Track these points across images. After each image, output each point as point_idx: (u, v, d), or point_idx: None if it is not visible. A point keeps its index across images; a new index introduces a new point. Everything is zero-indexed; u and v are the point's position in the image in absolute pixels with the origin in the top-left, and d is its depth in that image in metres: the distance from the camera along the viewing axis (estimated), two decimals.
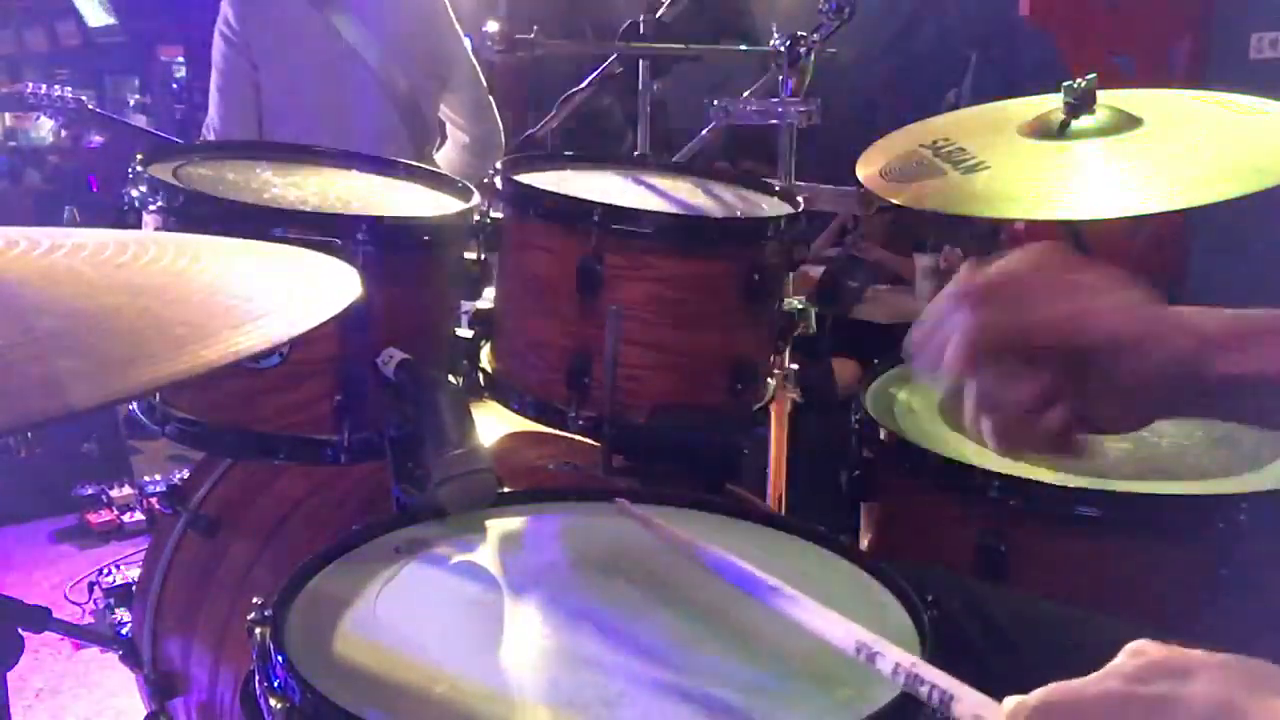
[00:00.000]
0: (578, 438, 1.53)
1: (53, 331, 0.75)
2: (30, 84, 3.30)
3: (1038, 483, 1.36)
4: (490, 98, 3.06)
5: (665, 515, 1.25)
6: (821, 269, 3.38)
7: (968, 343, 0.84)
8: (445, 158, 3.05)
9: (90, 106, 3.34)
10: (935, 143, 1.68)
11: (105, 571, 3.31)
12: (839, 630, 0.84)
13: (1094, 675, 0.68)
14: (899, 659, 0.79)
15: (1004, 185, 1.56)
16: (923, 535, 1.50)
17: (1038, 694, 0.68)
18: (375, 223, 1.42)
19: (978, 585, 1.29)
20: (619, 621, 1.01)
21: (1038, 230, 3.52)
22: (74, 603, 3.30)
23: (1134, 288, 0.86)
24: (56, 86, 3.27)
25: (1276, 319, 0.86)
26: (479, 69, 3.01)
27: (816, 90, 1.97)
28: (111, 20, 5.44)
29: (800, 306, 1.67)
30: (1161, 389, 0.84)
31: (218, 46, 2.80)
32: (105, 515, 3.81)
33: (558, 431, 1.54)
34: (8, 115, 5.13)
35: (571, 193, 1.52)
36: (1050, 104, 1.64)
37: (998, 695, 0.72)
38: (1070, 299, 0.85)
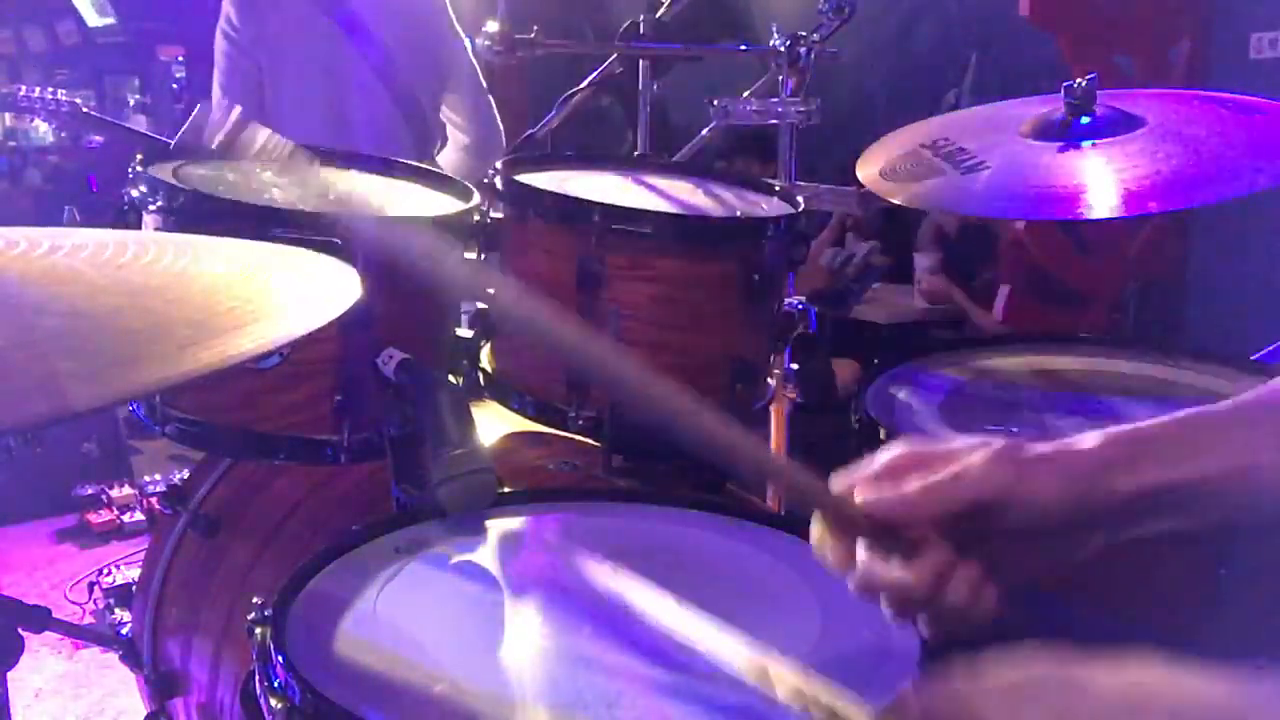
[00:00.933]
0: (578, 438, 1.53)
1: (53, 332, 0.75)
2: (24, 87, 3.29)
3: None
4: (490, 99, 3.06)
5: (665, 516, 1.25)
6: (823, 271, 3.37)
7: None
8: (445, 159, 3.05)
9: (85, 109, 3.32)
10: (935, 143, 1.68)
11: (105, 571, 3.32)
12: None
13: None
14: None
15: (1004, 185, 1.56)
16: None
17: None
18: (375, 223, 1.42)
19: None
20: (619, 621, 1.01)
21: (1038, 230, 3.54)
22: (74, 603, 3.31)
23: (995, 445, 0.82)
24: (51, 89, 3.26)
25: (1178, 423, 0.84)
26: (479, 70, 3.01)
27: (816, 90, 1.97)
28: (111, 20, 5.43)
29: (800, 306, 1.67)
30: (1068, 524, 0.81)
31: (220, 46, 2.80)
32: (105, 515, 3.81)
33: (558, 431, 1.53)
34: (8, 115, 5.14)
35: (571, 193, 1.52)
36: (1050, 104, 1.64)
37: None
38: (926, 476, 0.82)
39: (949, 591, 0.80)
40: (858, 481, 0.84)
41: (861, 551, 0.83)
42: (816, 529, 0.86)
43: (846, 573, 0.85)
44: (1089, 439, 0.82)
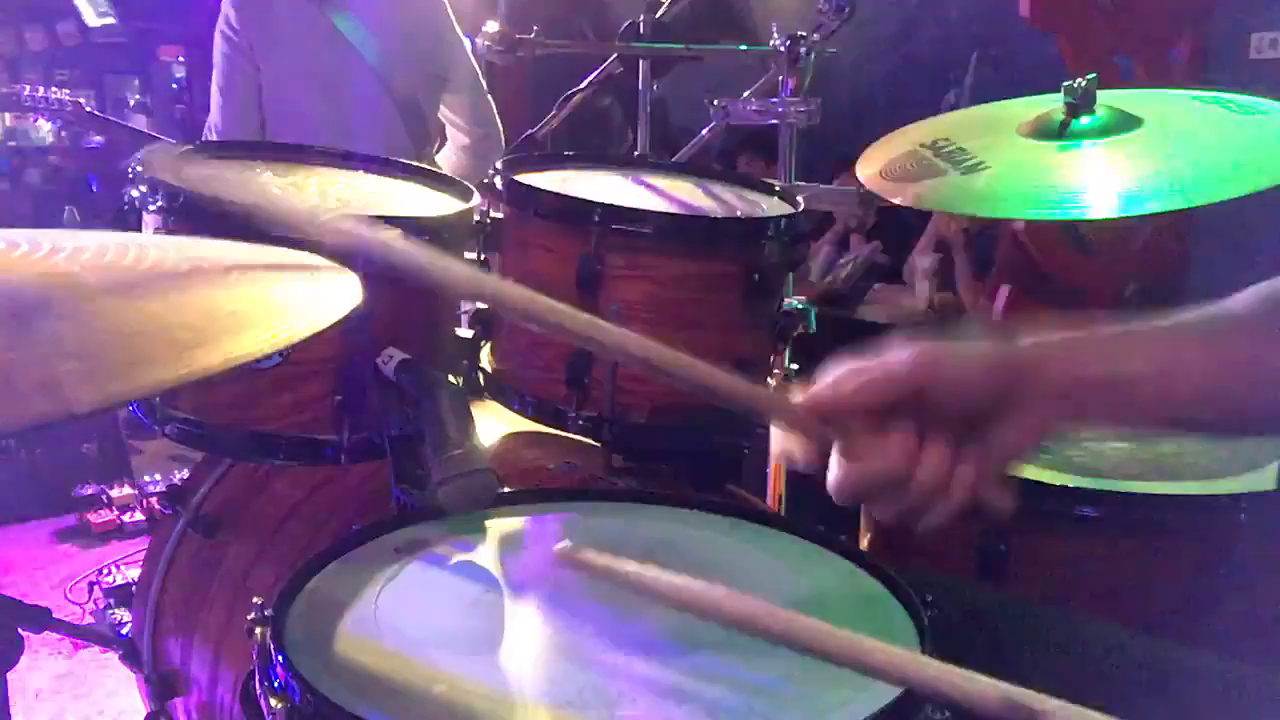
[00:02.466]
0: (578, 438, 1.53)
1: (53, 334, 0.75)
2: (27, 86, 3.29)
3: (1038, 483, 1.36)
4: (490, 99, 3.06)
5: (665, 516, 1.25)
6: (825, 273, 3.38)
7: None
8: (445, 159, 3.05)
9: (87, 108, 3.33)
10: (935, 143, 1.68)
11: (105, 571, 3.32)
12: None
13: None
14: None
15: (1004, 185, 1.56)
16: (923, 535, 1.50)
17: None
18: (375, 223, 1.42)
19: (977, 591, 1.29)
20: (619, 621, 1.01)
21: (1038, 230, 3.53)
22: (74, 603, 3.31)
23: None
24: (53, 88, 3.26)
25: (1120, 331, 0.88)
26: (479, 70, 3.01)
27: (816, 90, 1.97)
28: (111, 20, 5.43)
29: (800, 306, 1.67)
30: (998, 406, 0.85)
31: (219, 47, 2.80)
32: (105, 515, 3.81)
33: (558, 431, 1.54)
34: (8, 115, 5.13)
35: (571, 193, 1.52)
36: (1050, 104, 1.64)
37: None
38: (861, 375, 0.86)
39: (921, 470, 0.84)
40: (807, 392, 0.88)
41: (834, 456, 0.87)
42: (778, 436, 0.92)
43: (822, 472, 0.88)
44: (1026, 339, 0.88)
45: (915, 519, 0.87)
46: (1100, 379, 0.86)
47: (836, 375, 0.87)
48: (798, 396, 0.89)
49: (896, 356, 0.86)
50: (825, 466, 0.88)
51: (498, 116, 3.07)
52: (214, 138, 2.82)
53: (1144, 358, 0.87)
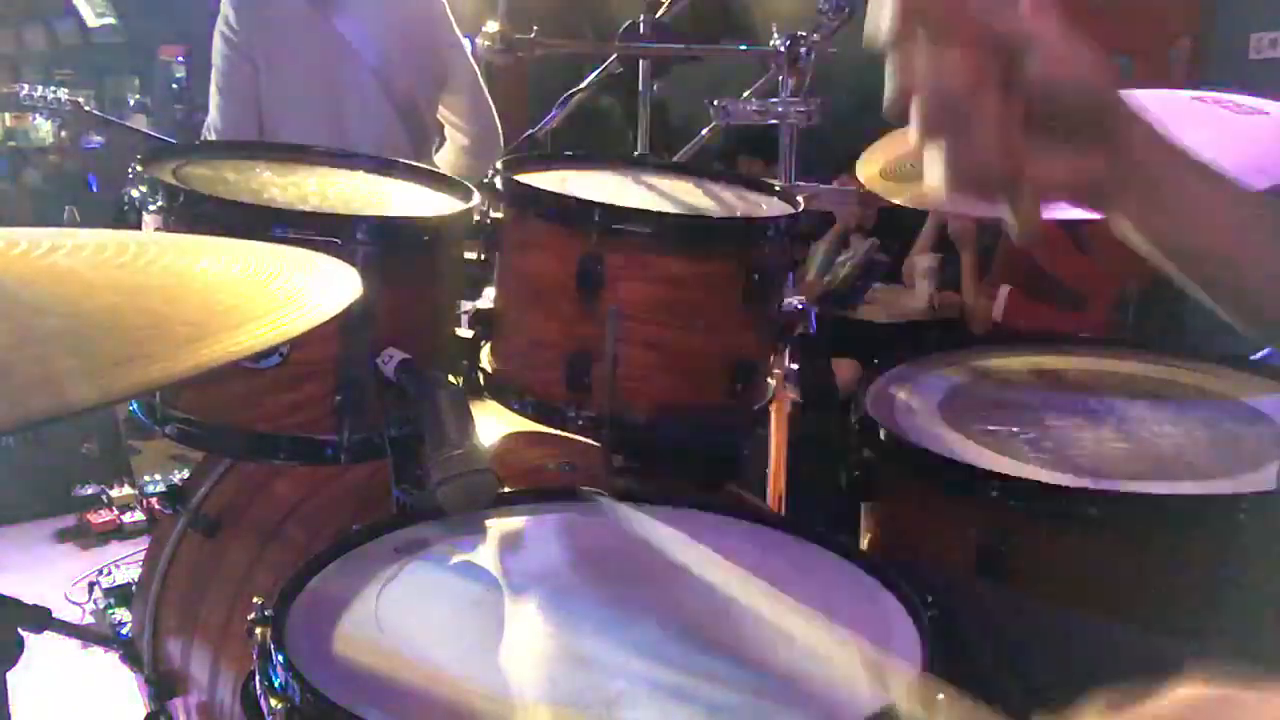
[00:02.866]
0: (578, 438, 1.53)
1: (53, 331, 0.75)
2: (25, 86, 3.28)
3: (1038, 483, 1.36)
4: (488, 99, 3.06)
5: (665, 516, 1.25)
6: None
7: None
8: (443, 159, 3.05)
9: (87, 108, 3.32)
10: None
11: (105, 571, 3.32)
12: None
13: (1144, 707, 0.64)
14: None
15: None
16: (923, 535, 1.50)
17: None
18: (375, 223, 1.42)
19: (978, 589, 1.29)
20: (619, 621, 1.01)
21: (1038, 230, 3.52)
22: (74, 603, 3.30)
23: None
24: (53, 88, 3.25)
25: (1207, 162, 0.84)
26: (477, 70, 3.01)
27: (816, 90, 1.97)
28: (112, 20, 5.43)
29: (800, 306, 1.67)
30: (1077, 119, 0.80)
31: (218, 47, 2.80)
32: (105, 515, 3.81)
33: (558, 431, 1.53)
34: (7, 115, 5.13)
35: (571, 193, 1.52)
36: None
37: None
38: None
39: (980, 96, 0.76)
40: None
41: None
42: None
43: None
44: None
45: (953, 154, 0.79)
46: (1182, 167, 0.82)
47: None
48: None
49: (1016, 19, 0.78)
50: None
51: (496, 116, 3.07)
52: (213, 138, 2.82)
53: (1231, 197, 0.84)
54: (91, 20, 5.38)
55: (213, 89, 2.84)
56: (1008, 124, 0.78)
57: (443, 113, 3.02)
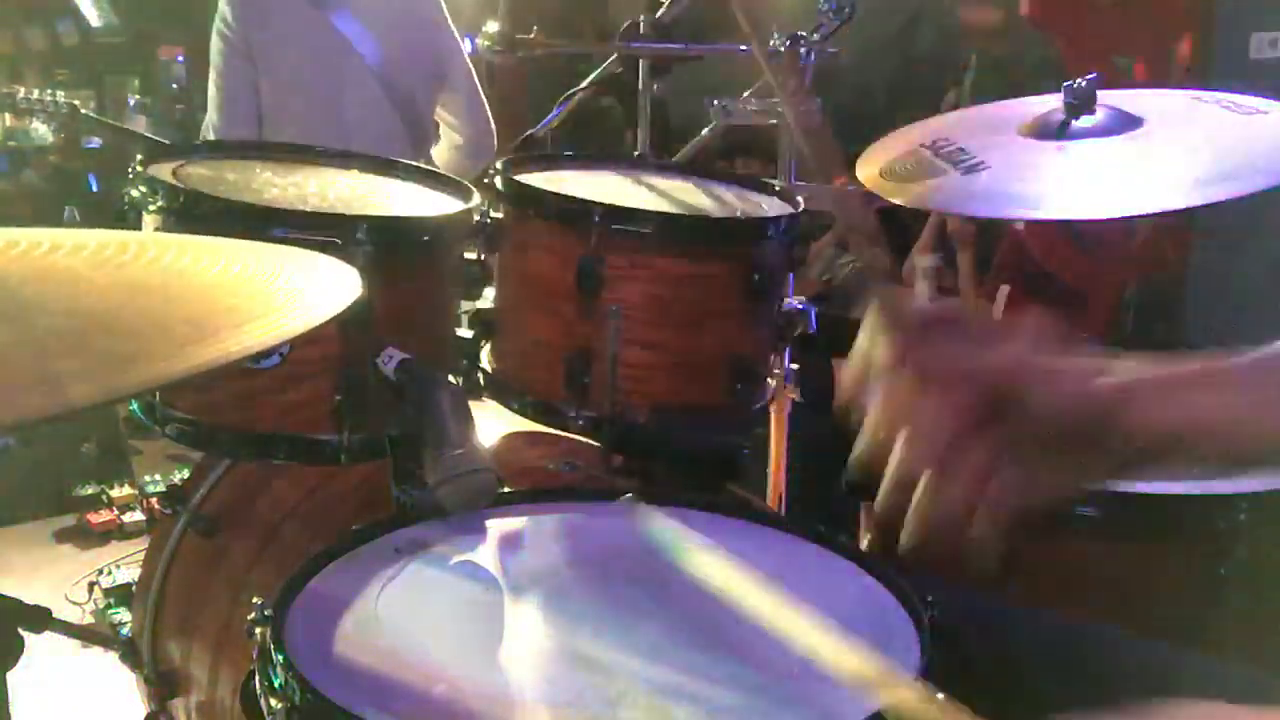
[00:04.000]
0: (578, 438, 1.53)
1: (53, 331, 0.75)
2: (21, 89, 3.28)
3: None
4: (484, 99, 3.06)
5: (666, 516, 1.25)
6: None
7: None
8: (439, 157, 3.05)
9: (83, 110, 3.31)
10: (935, 143, 1.68)
11: (105, 571, 3.31)
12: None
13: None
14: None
15: (1004, 185, 1.56)
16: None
17: None
18: (375, 223, 1.42)
19: (978, 594, 1.29)
20: (619, 621, 1.01)
21: (1038, 230, 3.53)
22: (74, 603, 3.30)
23: (1045, 338, 0.84)
24: (50, 90, 3.25)
25: (1198, 372, 0.85)
26: (474, 70, 3.01)
27: (816, 90, 1.97)
28: (111, 20, 5.43)
29: (800, 306, 1.67)
30: (1079, 436, 0.82)
31: (216, 46, 2.80)
32: (105, 515, 3.81)
33: (558, 431, 1.53)
34: (7, 115, 5.13)
35: (571, 193, 1.52)
36: (1050, 104, 1.64)
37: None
38: (974, 348, 0.83)
39: (966, 451, 0.80)
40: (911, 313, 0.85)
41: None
42: (868, 331, 0.88)
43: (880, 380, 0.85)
44: (1130, 366, 0.84)
45: (945, 526, 0.83)
46: (1190, 421, 0.83)
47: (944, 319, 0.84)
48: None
49: (1006, 350, 0.82)
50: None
51: (491, 116, 3.07)
52: (211, 137, 2.82)
53: (1221, 403, 0.84)
54: (92, 20, 5.38)
55: (211, 88, 2.84)
56: (989, 467, 0.80)
57: (439, 112, 3.03)
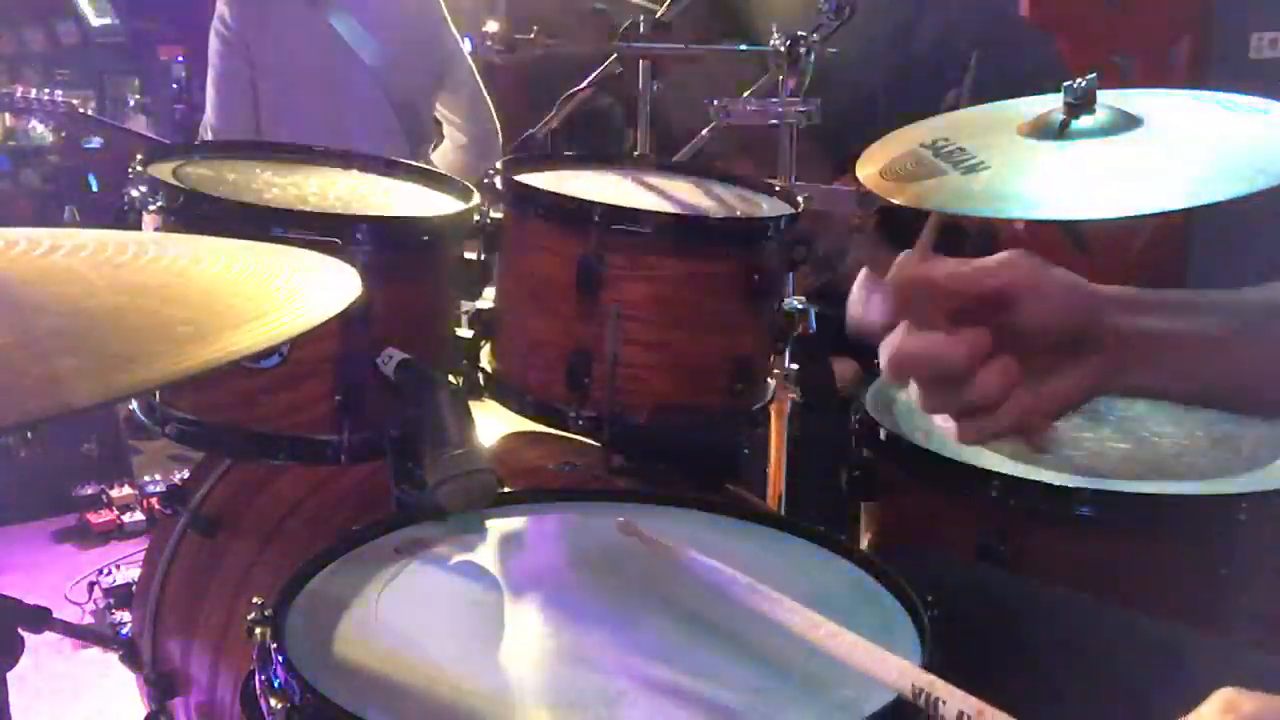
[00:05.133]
0: (578, 438, 1.53)
1: (53, 331, 0.75)
2: (21, 88, 3.28)
3: (1038, 483, 1.36)
4: (487, 98, 3.05)
5: (665, 516, 1.25)
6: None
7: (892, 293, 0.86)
8: (442, 158, 3.05)
9: (82, 110, 3.31)
10: (935, 143, 1.67)
11: (105, 571, 3.31)
12: (892, 671, 0.82)
13: None
14: (962, 706, 0.75)
15: (1004, 185, 1.56)
16: (923, 535, 1.50)
17: None
18: (375, 223, 1.42)
19: (980, 570, 1.29)
20: (619, 621, 1.01)
21: (1038, 230, 3.53)
22: (74, 603, 3.30)
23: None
24: (48, 90, 3.24)
25: (1181, 295, 0.90)
26: (475, 69, 3.00)
27: (816, 90, 1.97)
28: (112, 20, 5.43)
29: (800, 306, 1.67)
30: (1068, 336, 0.85)
31: (214, 45, 2.79)
32: (105, 515, 3.81)
33: (558, 431, 1.53)
34: (7, 115, 5.13)
35: (571, 193, 1.52)
36: (1050, 104, 1.64)
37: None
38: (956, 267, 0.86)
39: (986, 371, 0.82)
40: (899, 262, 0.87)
41: (901, 326, 0.86)
42: (859, 291, 0.91)
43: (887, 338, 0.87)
44: (1103, 286, 0.89)
45: (960, 416, 0.85)
46: (1166, 333, 0.87)
47: (930, 262, 0.86)
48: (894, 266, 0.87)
49: (993, 261, 0.86)
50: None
51: (495, 116, 3.07)
52: (209, 136, 2.82)
53: (1212, 322, 0.89)
54: (92, 20, 5.38)
55: (209, 88, 2.83)
56: (1009, 379, 0.83)
57: (441, 112, 3.02)
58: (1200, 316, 0.89)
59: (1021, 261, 0.86)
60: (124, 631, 1.71)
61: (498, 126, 3.06)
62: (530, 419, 1.54)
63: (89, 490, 3.89)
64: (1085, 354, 0.85)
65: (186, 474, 1.73)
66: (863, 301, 0.90)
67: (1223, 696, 0.66)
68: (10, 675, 1.03)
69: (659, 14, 2.10)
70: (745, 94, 2.10)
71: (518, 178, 1.54)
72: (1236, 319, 0.90)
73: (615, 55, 2.18)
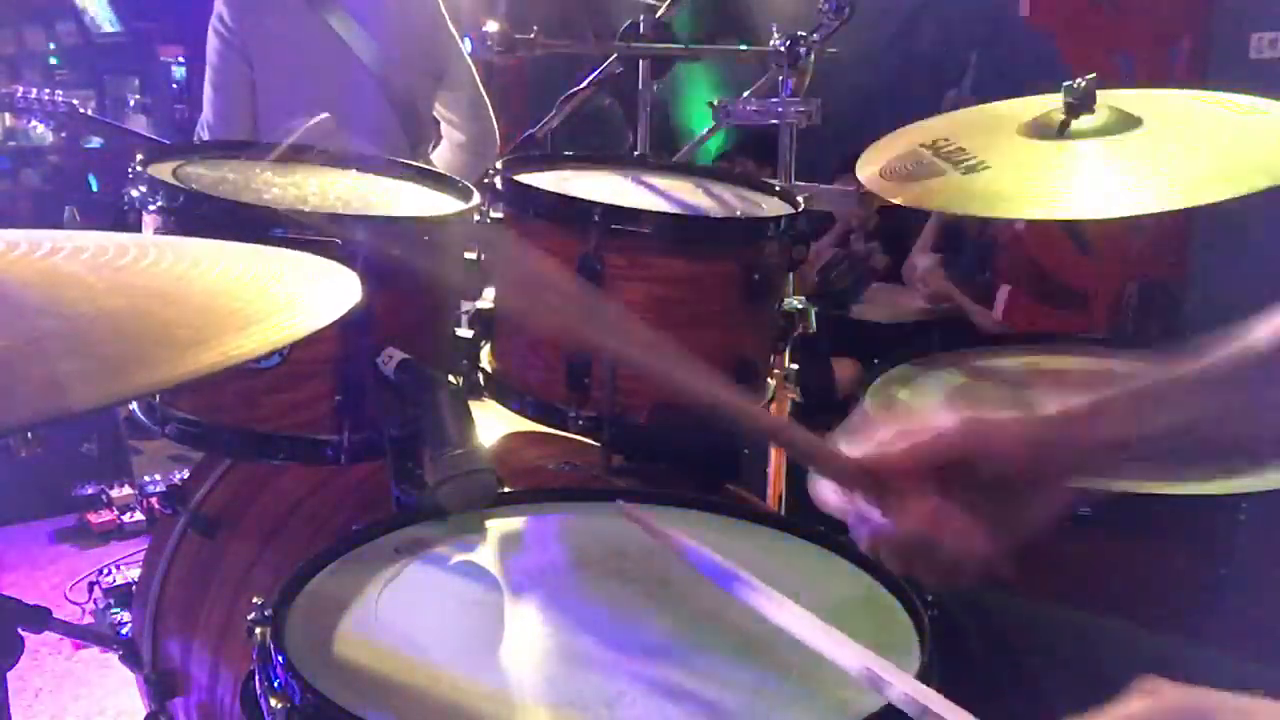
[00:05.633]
0: (578, 438, 1.53)
1: (53, 333, 0.75)
2: (20, 88, 3.27)
3: None
4: (486, 97, 3.05)
5: (665, 516, 1.25)
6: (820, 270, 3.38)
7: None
8: (441, 157, 3.05)
9: (82, 110, 3.30)
10: (935, 143, 1.68)
11: (105, 571, 3.31)
12: (847, 654, 0.85)
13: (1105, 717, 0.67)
14: (908, 689, 0.79)
15: (1004, 185, 1.56)
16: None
17: None
18: (375, 223, 1.42)
19: (977, 587, 1.29)
20: (619, 621, 1.01)
21: (1038, 230, 3.53)
22: (74, 603, 3.30)
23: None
24: (48, 90, 3.24)
25: (1122, 395, 0.93)
26: (474, 68, 3.00)
27: (816, 90, 1.97)
28: (111, 20, 5.44)
29: (800, 306, 1.67)
30: (1035, 474, 0.91)
31: (212, 44, 2.79)
32: (105, 515, 3.81)
33: (558, 431, 1.53)
34: (7, 115, 5.13)
35: (571, 193, 1.52)
36: (1050, 104, 1.64)
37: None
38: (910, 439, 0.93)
39: (943, 537, 0.89)
40: (853, 446, 0.96)
41: (861, 504, 0.94)
42: (815, 482, 1.00)
43: (849, 520, 0.96)
44: (1050, 407, 0.94)
45: (932, 578, 0.92)
46: (1121, 442, 0.91)
47: (885, 436, 0.93)
48: (846, 450, 0.95)
49: (945, 423, 0.92)
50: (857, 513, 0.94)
51: (494, 116, 3.06)
52: (206, 135, 2.82)
53: (1168, 416, 0.90)
54: (92, 21, 5.38)
55: (207, 87, 2.83)
56: (971, 534, 0.90)
57: (440, 111, 3.02)
58: (1160, 413, 0.91)
59: (969, 419, 0.91)
60: (124, 631, 1.71)
61: (495, 127, 3.06)
62: (530, 419, 1.54)
63: (89, 490, 3.90)
64: (1047, 487, 0.91)
65: (186, 474, 1.73)
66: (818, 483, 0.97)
67: (1144, 685, 0.68)
68: (10, 675, 1.03)
69: (659, 14, 2.10)
70: (745, 94, 2.10)
71: (518, 178, 1.53)
72: (1193, 404, 0.91)
73: (615, 55, 2.18)
